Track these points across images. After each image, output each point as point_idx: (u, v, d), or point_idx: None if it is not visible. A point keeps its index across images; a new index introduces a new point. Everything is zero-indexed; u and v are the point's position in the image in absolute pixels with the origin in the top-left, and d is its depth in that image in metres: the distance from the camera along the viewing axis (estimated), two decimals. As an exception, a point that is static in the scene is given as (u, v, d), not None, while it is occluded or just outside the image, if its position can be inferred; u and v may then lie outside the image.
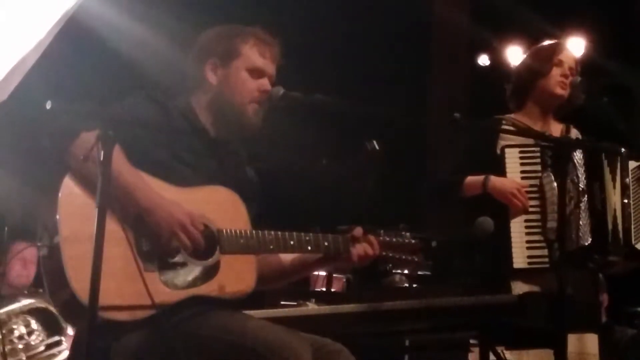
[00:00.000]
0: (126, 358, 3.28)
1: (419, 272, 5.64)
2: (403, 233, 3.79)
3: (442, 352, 5.86)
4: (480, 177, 4.60)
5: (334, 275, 6.14)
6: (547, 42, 4.94)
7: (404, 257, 3.78)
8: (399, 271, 5.82)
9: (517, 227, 4.55)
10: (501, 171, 4.60)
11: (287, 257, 3.77)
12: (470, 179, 4.63)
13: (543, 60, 4.79)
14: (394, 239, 3.77)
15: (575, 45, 9.03)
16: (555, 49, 4.84)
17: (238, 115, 3.64)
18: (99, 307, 3.01)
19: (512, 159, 4.61)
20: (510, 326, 3.80)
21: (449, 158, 4.93)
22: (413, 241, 3.80)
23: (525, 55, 5.07)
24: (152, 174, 3.40)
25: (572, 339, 4.40)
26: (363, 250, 3.66)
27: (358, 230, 3.70)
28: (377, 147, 4.18)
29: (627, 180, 4.64)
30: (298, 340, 3.29)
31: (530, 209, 4.54)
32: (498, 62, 9.90)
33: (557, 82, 4.74)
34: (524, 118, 4.75)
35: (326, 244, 3.64)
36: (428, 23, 10.72)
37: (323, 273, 6.12)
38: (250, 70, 3.67)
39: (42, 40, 3.83)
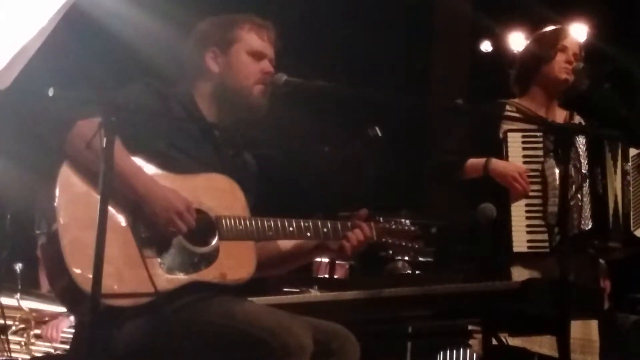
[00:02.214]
0: (128, 346, 3.29)
1: (421, 259, 5.64)
2: (402, 220, 3.80)
3: (445, 339, 5.88)
4: (482, 160, 4.60)
5: (337, 262, 6.14)
6: (551, 28, 4.92)
7: (403, 243, 3.79)
8: (400, 258, 5.82)
9: (518, 211, 4.55)
10: (503, 155, 4.60)
11: (285, 244, 3.78)
12: (471, 161, 4.63)
13: (547, 46, 4.78)
14: (393, 225, 3.78)
15: (578, 32, 8.98)
16: (560, 35, 4.83)
17: (245, 99, 3.66)
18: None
19: (515, 144, 4.61)
20: (514, 313, 3.80)
21: (450, 139, 4.91)
22: (412, 228, 3.81)
23: (529, 41, 5.06)
24: (149, 162, 3.41)
25: (577, 326, 4.41)
26: (355, 238, 3.67)
27: (364, 211, 3.71)
28: (379, 133, 4.17)
29: (628, 166, 4.64)
30: (299, 324, 3.30)
31: (532, 194, 4.55)
32: (500, 48, 9.87)
33: (562, 68, 4.73)
34: (528, 103, 4.74)
35: (325, 230, 3.65)
36: (430, 9, 10.70)
37: (326, 260, 6.12)
38: (251, 53, 3.69)
39: (45, 27, 3.84)
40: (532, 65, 4.80)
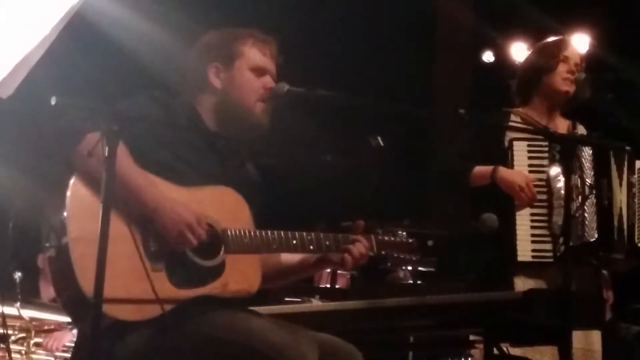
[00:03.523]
0: (131, 357, 3.28)
1: (423, 269, 5.64)
2: (399, 232, 3.80)
3: (446, 349, 5.87)
4: (489, 168, 4.58)
5: (339, 272, 6.14)
6: (552, 38, 4.93)
7: (401, 255, 3.79)
8: (402, 267, 5.82)
9: (523, 221, 4.54)
10: (508, 163, 4.60)
11: (287, 257, 3.78)
12: (478, 168, 4.62)
13: (549, 57, 4.79)
14: (391, 238, 3.78)
15: (580, 42, 9.01)
16: (561, 45, 4.83)
17: (247, 116, 3.65)
18: (107, 306, 3.03)
19: (520, 152, 4.61)
20: (515, 322, 3.80)
21: (457, 146, 4.90)
22: (410, 240, 3.81)
23: (530, 52, 5.06)
24: (155, 174, 3.40)
25: (578, 335, 4.41)
26: (356, 251, 3.67)
27: (359, 223, 3.71)
28: (381, 143, 4.18)
29: (634, 178, 4.64)
30: (304, 341, 3.29)
31: (537, 203, 4.54)
32: (502, 59, 9.89)
33: (563, 79, 4.74)
34: (530, 113, 4.75)
35: (327, 243, 3.65)
36: (432, 19, 10.71)
37: (327, 270, 6.10)
38: (254, 69, 3.69)
39: (47, 36, 3.84)
40: (534, 76, 4.80)
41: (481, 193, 4.66)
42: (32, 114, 3.44)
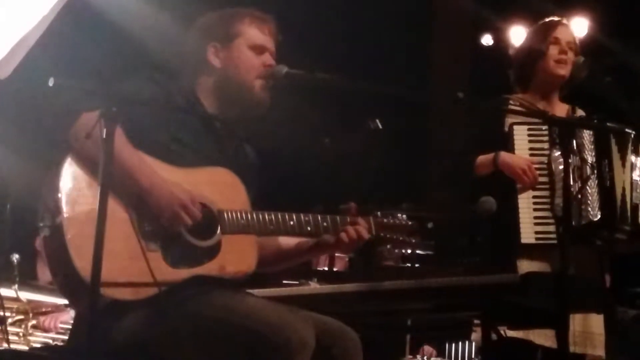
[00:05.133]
0: (127, 337, 3.28)
1: (422, 252, 5.64)
2: (399, 215, 3.80)
3: (444, 332, 5.88)
4: (490, 155, 4.59)
5: (337, 254, 6.14)
6: (543, 21, 4.91)
7: (401, 238, 3.79)
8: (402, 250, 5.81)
9: (525, 203, 4.55)
10: (509, 148, 4.60)
11: (285, 242, 3.78)
12: (481, 158, 4.62)
13: (539, 40, 4.78)
14: (390, 220, 3.78)
15: (579, 25, 9.00)
16: (549, 27, 4.82)
17: (247, 94, 3.65)
18: (102, 286, 3.02)
19: (521, 136, 4.62)
20: (513, 306, 3.80)
21: (452, 137, 4.91)
22: (409, 222, 3.81)
23: (525, 37, 5.06)
24: (152, 155, 3.40)
25: (577, 318, 4.41)
26: (353, 232, 3.67)
27: (351, 207, 3.71)
28: (379, 125, 4.17)
29: (636, 159, 4.63)
30: (301, 320, 3.29)
31: (539, 186, 4.54)
32: (501, 42, 9.87)
33: (556, 61, 4.72)
34: (529, 99, 4.72)
35: (325, 224, 3.64)
36: (431, 1, 10.69)
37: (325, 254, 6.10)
38: (252, 47, 3.69)
39: (46, 16, 3.83)
40: (528, 62, 4.81)
41: (482, 177, 4.66)
42: (30, 95, 3.44)
